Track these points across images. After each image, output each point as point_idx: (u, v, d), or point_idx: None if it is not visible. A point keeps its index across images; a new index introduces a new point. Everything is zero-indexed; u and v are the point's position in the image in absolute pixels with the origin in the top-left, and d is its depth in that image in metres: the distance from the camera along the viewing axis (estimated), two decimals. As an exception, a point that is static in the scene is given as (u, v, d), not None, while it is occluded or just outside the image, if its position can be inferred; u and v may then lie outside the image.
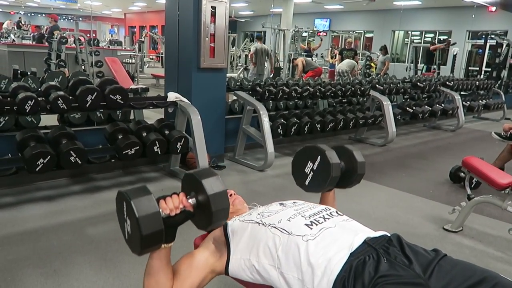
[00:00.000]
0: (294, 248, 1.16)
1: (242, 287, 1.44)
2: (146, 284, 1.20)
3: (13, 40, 11.77)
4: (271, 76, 9.33)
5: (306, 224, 1.22)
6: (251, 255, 1.23)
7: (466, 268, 1.10)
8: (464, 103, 7.15)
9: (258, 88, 4.51)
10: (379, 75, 9.12)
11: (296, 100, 5.11)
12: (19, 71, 4.47)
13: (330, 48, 16.84)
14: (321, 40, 15.06)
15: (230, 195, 1.53)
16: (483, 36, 11.58)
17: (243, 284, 1.35)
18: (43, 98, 2.99)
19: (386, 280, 1.02)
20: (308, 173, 1.57)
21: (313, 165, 1.55)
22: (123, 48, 13.99)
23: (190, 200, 1.14)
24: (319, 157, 1.52)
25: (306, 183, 1.58)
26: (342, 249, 1.14)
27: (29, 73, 4.55)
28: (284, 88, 4.56)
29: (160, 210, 1.08)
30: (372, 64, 12.15)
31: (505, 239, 2.74)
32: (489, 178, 2.71)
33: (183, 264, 1.28)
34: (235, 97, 4.62)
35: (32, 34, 12.51)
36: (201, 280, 1.27)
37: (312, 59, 11.63)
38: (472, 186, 3.43)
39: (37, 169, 2.75)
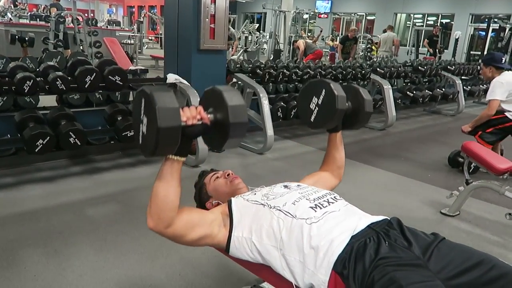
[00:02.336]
0: (297, 231, 1.17)
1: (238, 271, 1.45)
2: (155, 192, 1.15)
3: (10, 19, 11.61)
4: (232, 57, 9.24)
5: (310, 207, 1.23)
6: (254, 235, 1.24)
7: (464, 251, 1.12)
8: (464, 87, 7.11)
9: (258, 71, 4.48)
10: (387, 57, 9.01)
11: (296, 83, 5.07)
12: (16, 36, 4.37)
13: (330, 36, 16.68)
14: (321, 30, 14.76)
15: (228, 175, 1.53)
16: (486, 20, 11.45)
17: (242, 264, 1.36)
18: (42, 79, 2.97)
19: (387, 261, 1.04)
20: (313, 108, 1.49)
21: (318, 100, 1.47)
22: (122, 29, 13.82)
23: (208, 115, 1.11)
24: (324, 90, 1.44)
25: (312, 119, 1.50)
26: (344, 231, 1.15)
27: (26, 38, 4.41)
28: (285, 70, 4.53)
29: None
30: (373, 47, 12.04)
31: (502, 223, 2.76)
32: (488, 163, 2.72)
33: (190, 208, 1.28)
34: (234, 80, 4.59)
35: (29, 13, 12.33)
36: (201, 227, 1.25)
37: (312, 42, 11.52)
38: (470, 171, 3.44)
39: (36, 150, 2.75)
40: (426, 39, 11.76)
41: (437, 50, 11.39)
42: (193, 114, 1.09)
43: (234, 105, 1.07)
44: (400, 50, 11.96)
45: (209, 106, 1.13)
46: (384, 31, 11.23)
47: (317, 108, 1.48)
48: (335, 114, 1.42)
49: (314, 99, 1.48)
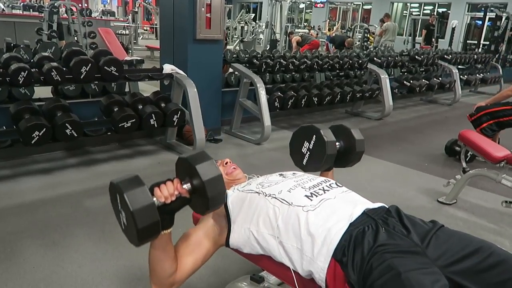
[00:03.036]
0: (294, 218, 1.18)
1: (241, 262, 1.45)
2: (151, 272, 1.21)
3: (3, 10, 11.45)
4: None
5: (306, 196, 1.23)
6: (251, 224, 1.24)
7: (462, 238, 1.13)
8: (461, 77, 7.12)
9: (255, 61, 4.45)
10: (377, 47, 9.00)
11: (293, 73, 5.05)
12: (12, 44, 4.34)
13: (328, 20, 16.58)
14: (317, 34, 14.48)
15: (226, 163, 1.53)
16: (483, 9, 11.41)
17: (243, 255, 1.37)
18: (37, 70, 2.93)
19: (385, 248, 1.05)
20: (305, 153, 1.58)
21: (309, 145, 1.56)
22: (116, 19, 13.67)
23: (185, 186, 1.10)
24: (314, 136, 1.53)
25: (304, 163, 1.59)
26: (341, 219, 1.15)
27: (22, 46, 4.40)
28: (281, 60, 4.51)
29: (155, 199, 1.06)
30: (370, 37, 11.99)
31: (498, 211, 2.78)
32: (485, 152, 2.73)
33: (184, 244, 1.29)
34: (231, 70, 4.57)
35: (22, 3, 12.17)
36: (203, 255, 1.29)
37: (309, 32, 11.46)
38: (467, 159, 3.46)
39: (32, 142, 2.73)
40: (423, 29, 11.71)
41: (433, 39, 11.36)
42: (170, 191, 1.09)
43: (209, 179, 1.06)
44: (396, 40, 11.92)
45: (185, 175, 1.12)
46: (382, 21, 11.17)
47: (308, 153, 1.58)
48: (325, 159, 1.51)
49: (306, 144, 1.57)
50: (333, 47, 10.67)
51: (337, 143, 1.56)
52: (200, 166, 1.07)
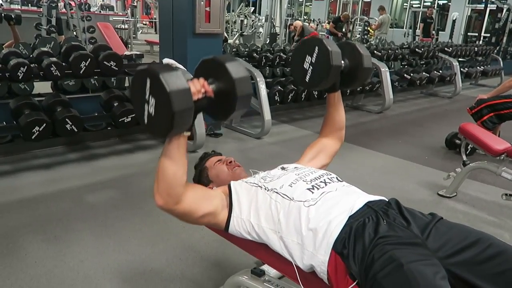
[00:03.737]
0: (295, 213, 1.18)
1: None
2: (162, 170, 1.12)
3: (1, 5, 11.40)
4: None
5: (307, 189, 1.24)
6: (252, 217, 1.25)
7: (462, 230, 1.13)
8: (462, 69, 7.10)
9: (254, 55, 4.44)
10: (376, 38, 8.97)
11: (293, 66, 5.03)
12: (2, 14, 4.26)
13: (328, 21, 16.49)
14: (316, 26, 14.39)
15: (230, 162, 1.53)
16: (483, 1, 11.34)
17: (241, 245, 1.37)
18: (36, 65, 2.93)
19: (386, 240, 1.05)
20: (307, 68, 1.42)
21: (311, 59, 1.40)
22: (115, 13, 13.61)
23: (211, 86, 1.06)
24: (317, 47, 1.38)
25: (307, 79, 1.43)
26: (342, 212, 1.16)
27: (13, 16, 4.26)
28: (281, 54, 4.50)
29: None
30: (370, 30, 11.94)
31: (498, 204, 2.79)
32: (485, 144, 2.73)
33: (196, 185, 1.31)
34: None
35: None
36: (204, 204, 1.24)
37: (308, 24, 11.41)
38: (467, 152, 3.46)
39: (33, 137, 2.74)
40: (421, 22, 11.65)
41: (433, 32, 11.30)
42: (197, 88, 1.04)
43: (240, 77, 1.02)
44: (397, 32, 11.88)
45: (209, 76, 1.08)
46: (380, 9, 11.09)
47: (311, 67, 1.41)
48: (330, 70, 1.35)
49: (308, 58, 1.41)
50: (331, 24, 10.69)
51: (342, 61, 1.41)
52: (231, 64, 1.03)
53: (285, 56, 4.50)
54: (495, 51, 8.91)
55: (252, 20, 13.38)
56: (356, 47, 1.44)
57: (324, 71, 1.37)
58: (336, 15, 14.07)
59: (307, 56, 1.41)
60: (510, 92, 3.75)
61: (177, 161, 1.11)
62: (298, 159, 1.56)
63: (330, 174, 1.36)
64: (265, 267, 1.59)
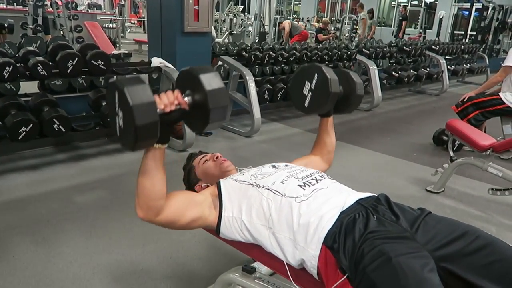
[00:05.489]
0: (287, 209, 1.19)
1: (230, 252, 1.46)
2: (140, 184, 1.14)
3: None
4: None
5: (299, 185, 1.25)
6: (244, 214, 1.25)
7: (450, 224, 1.15)
8: (449, 67, 7.19)
9: (244, 53, 4.44)
10: (366, 39, 9.05)
11: (282, 65, 5.05)
12: None
13: (316, 16, 16.53)
14: (305, 26, 14.44)
15: (216, 158, 1.53)
16: (470, -1, 11.47)
17: (232, 245, 1.38)
18: (22, 64, 2.89)
19: (376, 235, 1.07)
20: (306, 93, 1.50)
21: (311, 85, 1.48)
22: (103, 12, 13.47)
23: (185, 98, 1.06)
24: (317, 74, 1.45)
25: (306, 104, 1.50)
26: (333, 207, 1.17)
27: (5, 24, 4.23)
28: (270, 52, 4.50)
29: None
30: (358, 29, 12.00)
31: (485, 199, 2.84)
32: (471, 140, 2.77)
33: (177, 192, 1.27)
34: (220, 62, 4.55)
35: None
36: (191, 210, 1.25)
37: (297, 23, 11.44)
38: (454, 148, 3.51)
39: (19, 138, 2.70)
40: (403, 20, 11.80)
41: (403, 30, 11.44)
42: (170, 100, 1.05)
43: (213, 89, 1.02)
44: (385, 31, 11.98)
45: (186, 88, 1.08)
46: (369, 12, 11.18)
47: (310, 93, 1.48)
48: (329, 97, 1.43)
49: (307, 84, 1.49)
50: (319, 35, 10.73)
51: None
52: (204, 76, 1.03)
53: (274, 55, 4.51)
54: (481, 49, 9.03)
55: (241, 19, 13.35)
56: (350, 75, 1.52)
57: (323, 98, 1.45)
58: (323, 14, 14.15)
59: (307, 82, 1.49)
60: (495, 89, 3.82)
61: (154, 174, 1.12)
62: (288, 157, 1.57)
63: (321, 172, 1.37)
64: (256, 265, 1.60)
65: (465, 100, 3.74)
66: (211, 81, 1.03)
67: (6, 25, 4.00)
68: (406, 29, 12.51)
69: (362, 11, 10.82)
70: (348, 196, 1.22)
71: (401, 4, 13.96)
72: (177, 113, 1.06)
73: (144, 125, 0.95)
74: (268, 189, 1.25)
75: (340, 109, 1.56)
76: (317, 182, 1.28)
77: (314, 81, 1.46)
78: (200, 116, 1.06)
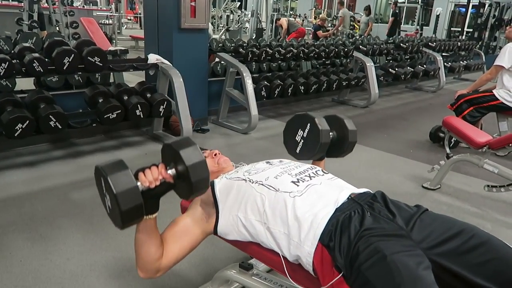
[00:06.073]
0: (281, 204, 1.19)
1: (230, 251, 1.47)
2: (136, 252, 1.23)
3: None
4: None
5: (292, 182, 1.25)
6: (239, 211, 1.26)
7: (446, 221, 1.16)
8: (445, 64, 7.21)
9: (241, 50, 4.43)
10: (362, 36, 9.05)
11: (279, 62, 5.04)
12: None
13: (314, 9, 16.51)
14: (302, 21, 14.39)
15: (215, 155, 1.54)
16: (466, -4, 11.50)
17: (231, 242, 1.38)
18: (18, 61, 2.87)
19: (371, 232, 1.07)
20: (298, 141, 1.60)
21: (303, 133, 1.58)
22: (99, 8, 13.39)
23: (169, 171, 1.11)
24: (309, 124, 1.54)
25: (297, 151, 1.61)
26: (328, 204, 1.17)
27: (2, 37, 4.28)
28: (267, 49, 4.49)
29: (139, 184, 1.07)
30: (356, 25, 12.01)
31: (481, 195, 2.85)
32: (467, 137, 2.78)
33: (171, 231, 1.30)
34: (217, 59, 4.54)
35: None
36: (191, 242, 1.31)
37: (294, 20, 11.43)
38: (451, 145, 3.52)
39: (16, 134, 2.69)
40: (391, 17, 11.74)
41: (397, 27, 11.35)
42: (154, 176, 1.10)
43: (193, 163, 1.07)
44: (382, 28, 11.96)
45: (169, 160, 1.13)
46: (365, 9, 11.16)
47: (302, 141, 1.59)
48: (319, 147, 1.52)
49: (300, 132, 1.59)
50: (319, 31, 10.69)
51: (330, 133, 1.58)
52: (184, 151, 1.08)
53: (271, 51, 4.50)
54: (478, 45, 9.06)
55: (238, 15, 13.32)
56: (344, 122, 1.62)
57: (313, 147, 1.55)
58: (321, 10, 14.10)
59: (300, 130, 1.60)
60: (489, 85, 3.84)
61: (148, 244, 1.20)
62: (284, 154, 1.57)
63: (315, 168, 1.37)
64: (253, 261, 1.61)
65: (455, 97, 3.77)
66: (191, 155, 1.08)
67: None
68: (402, 26, 12.47)
69: (342, 8, 10.82)
70: (341, 192, 1.22)
71: (392, 1, 13.90)
72: (163, 186, 1.12)
73: (129, 209, 1.03)
74: (262, 184, 1.26)
75: (333, 154, 1.65)
76: (311, 179, 1.28)
77: (306, 130, 1.57)
78: (185, 186, 1.11)
